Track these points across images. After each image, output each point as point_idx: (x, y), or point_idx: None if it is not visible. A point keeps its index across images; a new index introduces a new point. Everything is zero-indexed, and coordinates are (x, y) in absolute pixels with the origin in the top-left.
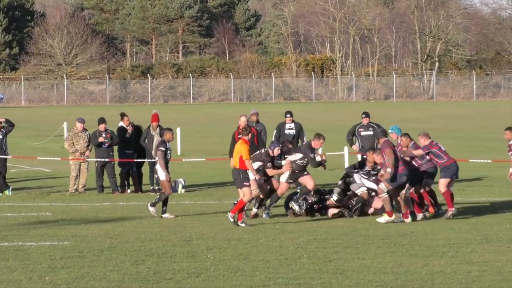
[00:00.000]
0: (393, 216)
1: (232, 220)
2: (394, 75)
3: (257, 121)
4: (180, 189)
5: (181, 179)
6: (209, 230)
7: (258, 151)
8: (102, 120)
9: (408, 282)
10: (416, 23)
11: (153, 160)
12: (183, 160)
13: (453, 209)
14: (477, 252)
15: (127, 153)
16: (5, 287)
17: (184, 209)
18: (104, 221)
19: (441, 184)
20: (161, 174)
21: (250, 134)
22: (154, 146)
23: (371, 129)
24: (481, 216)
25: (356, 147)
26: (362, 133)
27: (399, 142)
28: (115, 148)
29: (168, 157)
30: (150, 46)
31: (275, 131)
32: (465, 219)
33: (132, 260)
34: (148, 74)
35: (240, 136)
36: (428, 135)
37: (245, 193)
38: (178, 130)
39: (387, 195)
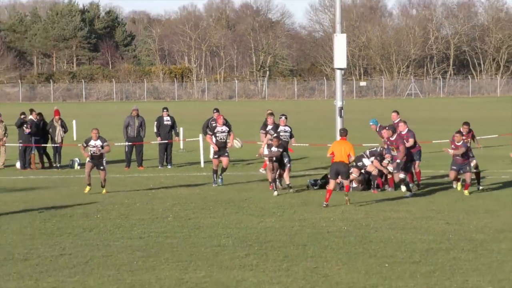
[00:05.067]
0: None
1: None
2: (236, 81)
3: (137, 115)
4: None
5: (76, 159)
6: (100, 197)
7: (375, 148)
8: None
9: (248, 235)
10: (252, 42)
11: (56, 145)
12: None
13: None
14: (298, 212)
15: (36, 139)
16: None
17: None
18: (19, 190)
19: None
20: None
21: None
22: (57, 134)
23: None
24: (300, 186)
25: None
26: (214, 124)
27: (378, 131)
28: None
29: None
30: (52, 58)
31: (155, 122)
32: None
33: (40, 219)
34: (51, 80)
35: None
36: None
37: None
38: (74, 122)
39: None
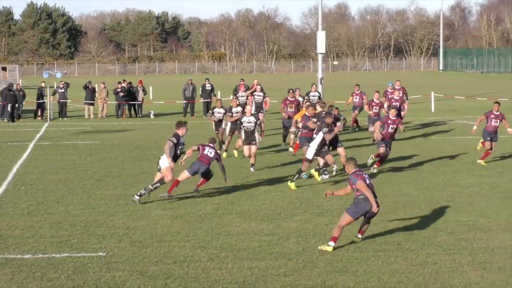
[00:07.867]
0: None
1: None
2: (254, 61)
3: (191, 83)
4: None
5: (152, 111)
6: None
7: None
8: None
9: None
10: (264, 36)
11: (138, 102)
12: None
13: None
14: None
15: (126, 99)
16: None
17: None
18: (115, 131)
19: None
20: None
21: None
22: (139, 95)
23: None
24: None
25: None
26: (238, 89)
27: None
28: None
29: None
30: (137, 47)
31: (200, 87)
32: None
33: (128, 150)
34: (136, 61)
35: None
36: None
37: None
38: (150, 88)
39: None
